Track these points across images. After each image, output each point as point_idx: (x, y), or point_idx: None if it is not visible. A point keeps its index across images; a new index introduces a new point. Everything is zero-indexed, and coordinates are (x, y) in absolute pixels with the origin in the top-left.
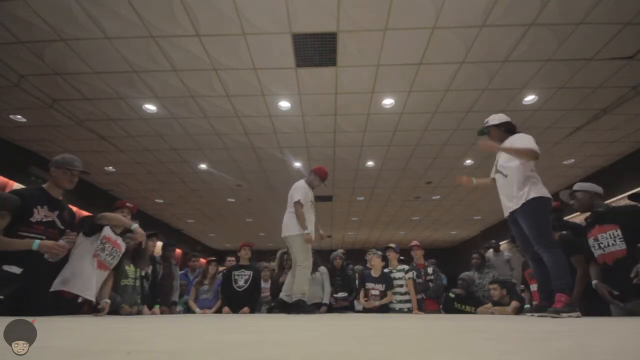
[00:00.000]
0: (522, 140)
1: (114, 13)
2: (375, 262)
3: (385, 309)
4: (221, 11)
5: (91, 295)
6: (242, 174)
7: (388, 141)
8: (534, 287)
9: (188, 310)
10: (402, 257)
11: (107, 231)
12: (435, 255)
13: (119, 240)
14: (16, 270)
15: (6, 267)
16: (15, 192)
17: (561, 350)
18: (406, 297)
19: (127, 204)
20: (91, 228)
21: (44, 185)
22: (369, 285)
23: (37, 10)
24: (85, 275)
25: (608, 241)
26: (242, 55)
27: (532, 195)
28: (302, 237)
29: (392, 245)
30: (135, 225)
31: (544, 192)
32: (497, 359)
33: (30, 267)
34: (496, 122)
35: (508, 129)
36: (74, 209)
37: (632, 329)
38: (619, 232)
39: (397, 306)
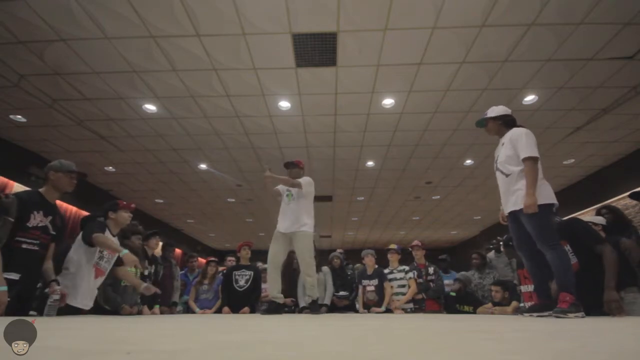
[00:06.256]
0: (519, 142)
1: (114, 13)
2: (368, 261)
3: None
4: (221, 11)
5: (89, 306)
6: (242, 174)
7: (388, 141)
8: (525, 288)
9: (187, 310)
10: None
11: (111, 239)
12: (435, 255)
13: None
14: (15, 276)
15: (6, 275)
16: (14, 195)
17: (561, 350)
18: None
19: (132, 205)
20: (88, 240)
21: (40, 190)
22: (365, 282)
23: (37, 10)
24: (84, 289)
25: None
26: (242, 55)
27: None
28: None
29: (394, 246)
30: (125, 252)
31: (548, 196)
32: (497, 359)
33: (27, 273)
34: (493, 114)
35: (506, 122)
36: (74, 208)
37: (633, 329)
38: (568, 247)
39: (400, 306)
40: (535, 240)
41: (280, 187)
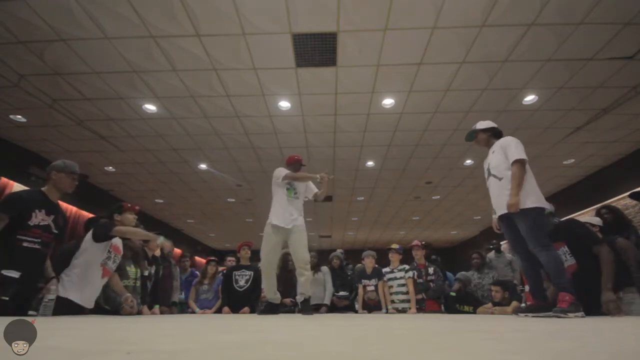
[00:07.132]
0: (509, 148)
1: (114, 13)
2: (368, 262)
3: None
4: (221, 11)
5: (91, 304)
6: (242, 174)
7: (388, 141)
8: (527, 288)
9: (181, 309)
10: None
11: (115, 240)
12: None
13: (120, 243)
14: (15, 274)
15: (5, 272)
16: (15, 194)
17: (561, 350)
18: (408, 297)
19: (136, 207)
20: (104, 237)
21: (43, 189)
22: (365, 281)
23: (37, 10)
24: (91, 287)
25: (563, 257)
26: (242, 55)
27: (530, 205)
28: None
29: (396, 246)
30: (161, 239)
31: (538, 201)
32: (497, 359)
33: (28, 272)
34: (483, 126)
35: (494, 134)
36: (74, 208)
37: (632, 329)
38: (566, 248)
39: (400, 306)
40: (527, 241)
41: (281, 182)
